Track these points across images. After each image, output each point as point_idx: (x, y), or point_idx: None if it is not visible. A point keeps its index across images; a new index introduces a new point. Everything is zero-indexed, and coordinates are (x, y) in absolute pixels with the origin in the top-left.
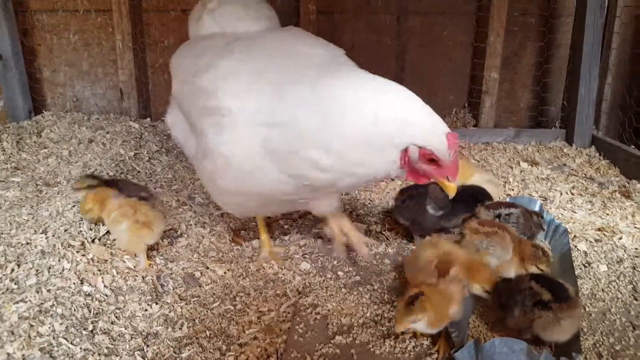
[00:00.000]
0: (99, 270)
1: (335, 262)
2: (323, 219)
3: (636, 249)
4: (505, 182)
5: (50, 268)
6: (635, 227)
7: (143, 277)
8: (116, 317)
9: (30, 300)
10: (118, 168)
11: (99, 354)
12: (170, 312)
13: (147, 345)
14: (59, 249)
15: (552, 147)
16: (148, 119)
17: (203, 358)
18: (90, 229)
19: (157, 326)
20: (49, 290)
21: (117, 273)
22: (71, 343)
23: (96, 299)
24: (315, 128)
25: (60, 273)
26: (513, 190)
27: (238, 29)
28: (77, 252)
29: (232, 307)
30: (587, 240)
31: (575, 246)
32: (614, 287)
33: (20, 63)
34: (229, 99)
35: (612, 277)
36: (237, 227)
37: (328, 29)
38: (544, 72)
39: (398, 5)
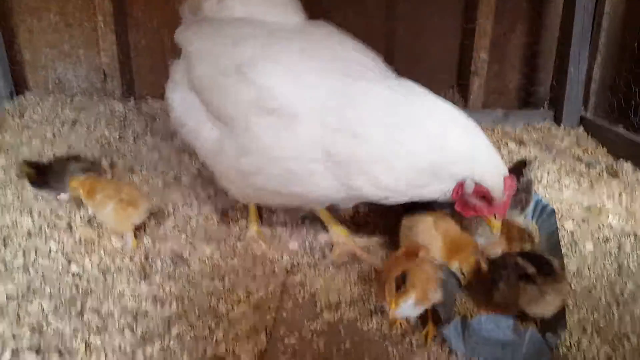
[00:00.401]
0: (87, 250)
1: (322, 242)
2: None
3: (622, 228)
4: None
5: (37, 249)
6: (622, 207)
7: (131, 257)
8: (105, 296)
9: (18, 280)
10: (103, 150)
11: (89, 332)
12: (159, 291)
13: (137, 323)
14: (45, 229)
15: (540, 127)
16: (132, 100)
17: (192, 335)
18: (77, 210)
19: (146, 305)
20: (36, 271)
21: (105, 253)
22: (60, 322)
23: (84, 279)
24: (384, 143)
25: (48, 254)
26: None
27: (267, 17)
28: (64, 232)
29: (220, 286)
30: (574, 219)
31: (562, 225)
32: (600, 266)
33: (0, 45)
34: (295, 101)
35: (598, 256)
36: (225, 207)
37: (318, 11)
38: (534, 53)
39: None
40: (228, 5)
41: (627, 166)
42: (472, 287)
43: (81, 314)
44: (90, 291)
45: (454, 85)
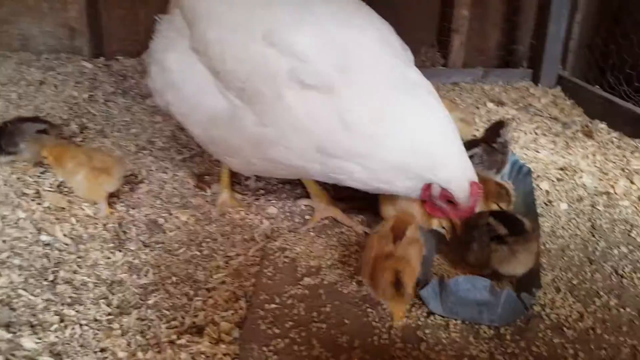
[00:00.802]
0: (57, 218)
1: (302, 207)
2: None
3: (595, 187)
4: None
5: (4, 218)
6: (596, 167)
7: (104, 224)
8: (78, 266)
9: None
10: (72, 111)
11: (62, 304)
12: (134, 259)
13: (112, 293)
14: (12, 197)
15: (519, 87)
16: (102, 58)
17: (170, 304)
18: (44, 176)
19: (121, 274)
20: (4, 241)
21: (77, 221)
22: (31, 294)
23: (56, 248)
24: (363, 137)
25: (16, 223)
26: (478, 130)
27: None
28: (32, 200)
29: (198, 253)
30: (549, 179)
31: (538, 185)
32: (574, 225)
33: None
34: (334, 76)
35: (572, 215)
36: (200, 172)
37: None
38: (514, 10)
39: None
40: None
41: (602, 126)
42: (447, 247)
43: (53, 285)
44: (62, 261)
45: (434, 42)
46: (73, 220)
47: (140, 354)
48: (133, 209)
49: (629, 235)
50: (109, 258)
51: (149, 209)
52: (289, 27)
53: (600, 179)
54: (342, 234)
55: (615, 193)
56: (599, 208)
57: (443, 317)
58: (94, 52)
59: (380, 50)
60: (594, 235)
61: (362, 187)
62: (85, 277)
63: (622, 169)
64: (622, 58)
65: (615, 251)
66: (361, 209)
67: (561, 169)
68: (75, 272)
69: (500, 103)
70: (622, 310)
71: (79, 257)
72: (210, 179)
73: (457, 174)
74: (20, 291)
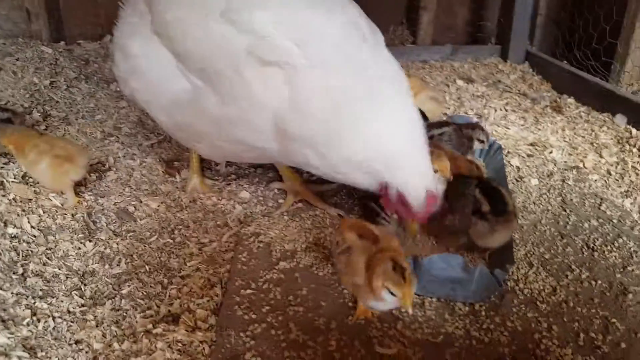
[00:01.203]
0: (24, 210)
1: (276, 191)
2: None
3: (565, 162)
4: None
5: None
6: (565, 141)
7: (73, 214)
8: (48, 258)
9: None
10: (33, 99)
11: (33, 297)
12: (105, 249)
13: (85, 284)
14: None
15: (487, 63)
16: (62, 43)
17: (144, 293)
18: (8, 167)
19: (93, 264)
20: None
21: (44, 212)
22: (1, 289)
23: (24, 241)
24: (324, 127)
25: None
26: (449, 108)
27: None
28: None
29: (171, 240)
30: (519, 155)
31: (509, 161)
32: (545, 200)
33: None
34: (296, 53)
35: (543, 191)
36: (169, 157)
37: None
38: None
39: None
40: None
41: (571, 101)
42: None
43: (23, 278)
44: (31, 253)
45: (403, 20)
46: (40, 211)
47: (116, 345)
48: (102, 197)
49: (598, 208)
50: (79, 249)
51: (118, 197)
52: (248, 4)
53: (570, 154)
54: (316, 216)
55: (585, 167)
56: (569, 183)
57: (418, 295)
58: (53, 37)
59: (345, 33)
60: (564, 210)
61: (322, 175)
62: (56, 269)
63: (591, 143)
64: (589, 33)
65: (586, 225)
66: (334, 191)
67: (531, 144)
68: (45, 264)
69: (469, 80)
70: (593, 282)
71: (48, 249)
72: (179, 165)
73: (415, 180)
74: None
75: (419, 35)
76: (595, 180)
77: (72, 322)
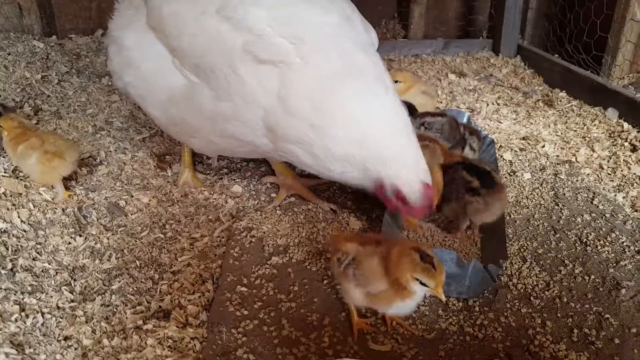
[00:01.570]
0: (14, 204)
1: (268, 185)
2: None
3: (557, 156)
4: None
5: None
6: (557, 135)
7: (63, 209)
8: (38, 252)
9: None
10: (24, 93)
11: (22, 292)
12: (96, 243)
13: (75, 280)
14: None
15: (479, 57)
16: (54, 37)
17: (135, 288)
18: None
19: (83, 259)
20: None
21: (34, 206)
22: None
23: (13, 235)
24: (310, 126)
25: None
26: (442, 102)
27: None
28: None
29: (162, 235)
30: (512, 149)
31: (501, 156)
32: (537, 194)
33: None
34: (294, 55)
35: (535, 185)
36: (161, 152)
37: None
38: None
39: None
40: None
41: (562, 95)
42: None
43: (12, 273)
44: (21, 248)
45: (395, 14)
46: (31, 205)
47: (105, 341)
48: (93, 192)
49: (591, 202)
50: (69, 243)
51: (109, 191)
52: (244, 1)
53: (562, 148)
54: (309, 211)
55: (577, 161)
56: (561, 177)
57: None
58: (45, 31)
59: (340, 31)
60: (557, 204)
61: (315, 172)
62: (45, 264)
63: (583, 137)
64: (580, 27)
65: (579, 219)
66: (327, 186)
67: (523, 138)
68: (35, 259)
69: (461, 74)
70: (587, 277)
71: (38, 244)
72: (171, 159)
73: (408, 172)
74: None
75: (410, 29)
76: (588, 174)
77: (61, 318)
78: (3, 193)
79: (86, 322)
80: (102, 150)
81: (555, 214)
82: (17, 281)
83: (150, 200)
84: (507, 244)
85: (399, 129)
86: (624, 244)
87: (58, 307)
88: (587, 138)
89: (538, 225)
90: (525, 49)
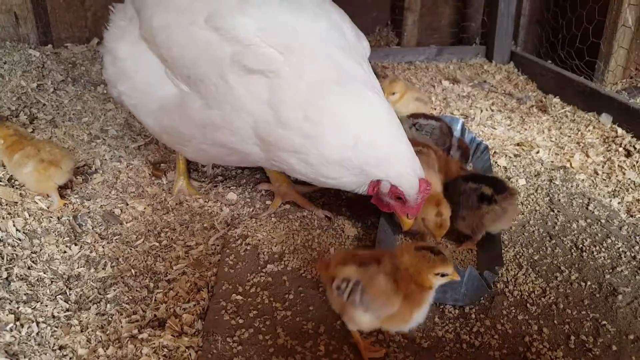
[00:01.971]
0: (9, 213)
1: (263, 192)
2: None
3: (552, 162)
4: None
5: None
6: (552, 141)
7: (58, 217)
8: (33, 261)
9: None
10: (20, 101)
11: (17, 302)
12: (91, 252)
13: (70, 288)
14: None
15: (472, 64)
16: (49, 46)
17: (130, 297)
18: None
19: (78, 268)
20: None
21: (30, 215)
22: None
23: (8, 244)
24: (301, 133)
25: None
26: (435, 109)
27: None
28: None
29: (157, 244)
30: (506, 155)
31: (496, 162)
32: (532, 200)
33: None
34: (278, 59)
35: (530, 191)
36: (156, 160)
37: None
38: None
39: None
40: None
41: (556, 101)
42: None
43: (7, 282)
44: (16, 257)
45: (388, 22)
46: (26, 214)
47: (101, 350)
48: (88, 200)
49: (586, 208)
50: (65, 252)
51: (104, 199)
52: (232, 10)
53: (557, 154)
54: (304, 218)
55: (572, 167)
56: (556, 183)
57: None
58: (41, 40)
59: (329, 39)
60: (552, 210)
61: (309, 180)
62: (41, 273)
63: (577, 143)
64: (572, 33)
65: (574, 225)
66: (322, 192)
67: (518, 144)
68: (30, 267)
69: (455, 81)
70: (583, 284)
71: (33, 252)
72: (166, 167)
73: (407, 170)
74: None
75: (404, 37)
76: (583, 180)
77: (56, 327)
78: None
79: (81, 331)
80: (98, 159)
81: (551, 220)
82: (12, 290)
83: (145, 209)
84: (503, 251)
85: (390, 130)
86: (620, 249)
87: (53, 316)
88: (581, 143)
89: (533, 231)
90: (518, 55)
